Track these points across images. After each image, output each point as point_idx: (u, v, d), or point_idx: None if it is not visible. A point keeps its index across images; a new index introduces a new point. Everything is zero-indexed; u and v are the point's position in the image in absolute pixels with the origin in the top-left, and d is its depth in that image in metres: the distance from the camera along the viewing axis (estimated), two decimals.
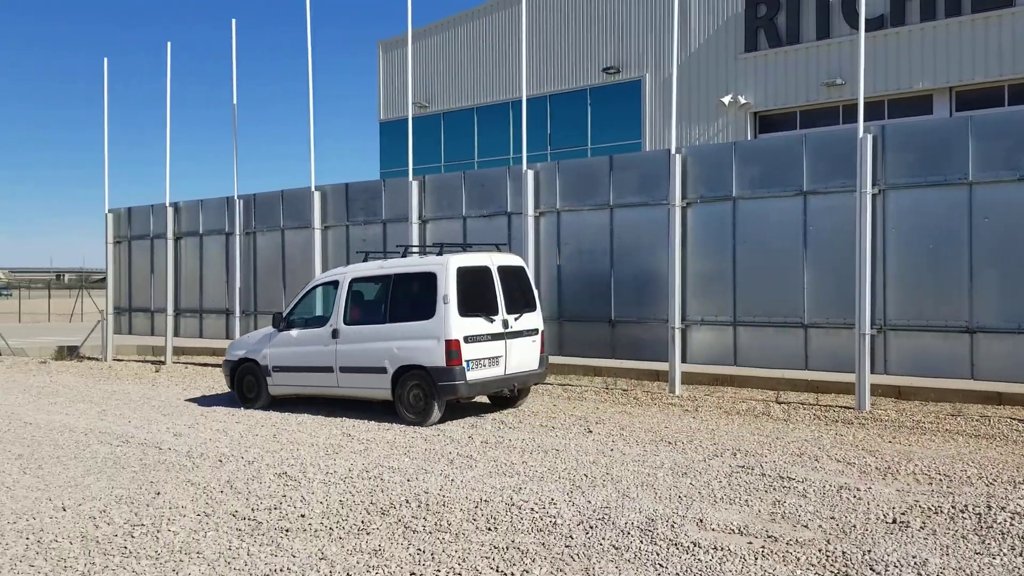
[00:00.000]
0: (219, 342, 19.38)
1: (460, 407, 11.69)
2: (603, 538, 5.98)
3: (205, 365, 18.68)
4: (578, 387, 13.67)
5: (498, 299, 11.13)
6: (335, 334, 11.65)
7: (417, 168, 16.31)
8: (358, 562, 5.62)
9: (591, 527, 6.24)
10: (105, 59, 20.16)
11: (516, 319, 11.30)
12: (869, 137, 11.16)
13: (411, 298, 11.21)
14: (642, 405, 11.89)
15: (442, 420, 10.79)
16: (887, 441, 9.22)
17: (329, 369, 11.70)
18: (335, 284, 12.00)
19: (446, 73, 30.38)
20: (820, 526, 6.19)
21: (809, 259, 11.76)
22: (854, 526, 6.18)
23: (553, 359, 14.59)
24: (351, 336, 11.51)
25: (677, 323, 12.57)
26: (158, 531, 6.34)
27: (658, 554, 5.65)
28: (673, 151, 12.70)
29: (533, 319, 11.63)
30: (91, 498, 7.31)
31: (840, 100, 22.61)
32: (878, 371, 11.30)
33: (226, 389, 13.37)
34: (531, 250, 14.12)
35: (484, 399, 12.08)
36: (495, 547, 5.85)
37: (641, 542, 5.89)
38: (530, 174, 14.19)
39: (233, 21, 18.15)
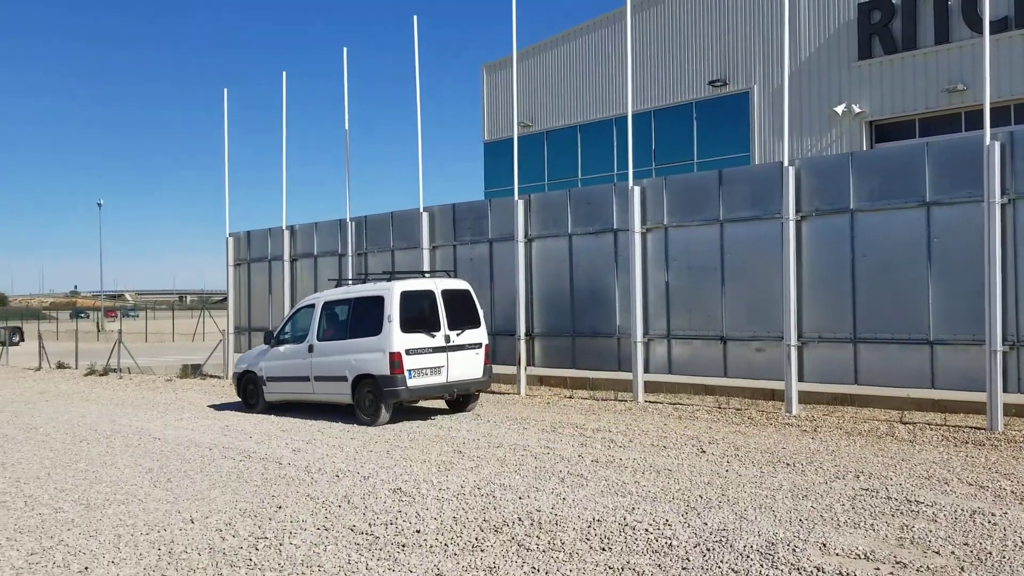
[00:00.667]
0: None
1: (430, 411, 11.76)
2: (721, 561, 5.83)
3: None
4: (689, 406, 13.43)
5: (440, 318, 12.92)
6: (311, 349, 13.79)
7: (521, 187, 16.42)
8: None
9: (708, 549, 6.09)
10: (225, 90, 21.18)
11: (458, 335, 13.07)
12: (997, 144, 10.61)
13: (366, 318, 13.06)
14: (757, 425, 11.57)
15: (391, 421, 12.62)
16: (1023, 463, 8.69)
17: (307, 379, 13.84)
18: (312, 307, 14.18)
19: (549, 92, 30.54)
20: (952, 552, 5.87)
21: (934, 272, 11.24)
22: (990, 553, 5.83)
23: (662, 378, 14.43)
24: (323, 350, 13.62)
25: (793, 340, 12.20)
26: (281, 544, 6.53)
27: None
28: (786, 163, 12.38)
29: (476, 335, 13.34)
30: (217, 511, 7.59)
31: (962, 106, 21.59)
32: (1011, 390, 10.68)
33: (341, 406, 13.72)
34: (638, 266, 13.99)
35: (442, 404, 13.97)
36: (610, 568, 5.77)
37: (761, 566, 5.71)
38: (636, 190, 14.09)
39: (344, 49, 18.78)
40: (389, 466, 9.40)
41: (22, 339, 43.09)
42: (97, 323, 60.68)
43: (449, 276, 14.33)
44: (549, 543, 6.35)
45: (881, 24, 22.82)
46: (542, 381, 16.72)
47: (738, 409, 12.94)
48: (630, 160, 14.47)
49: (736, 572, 5.61)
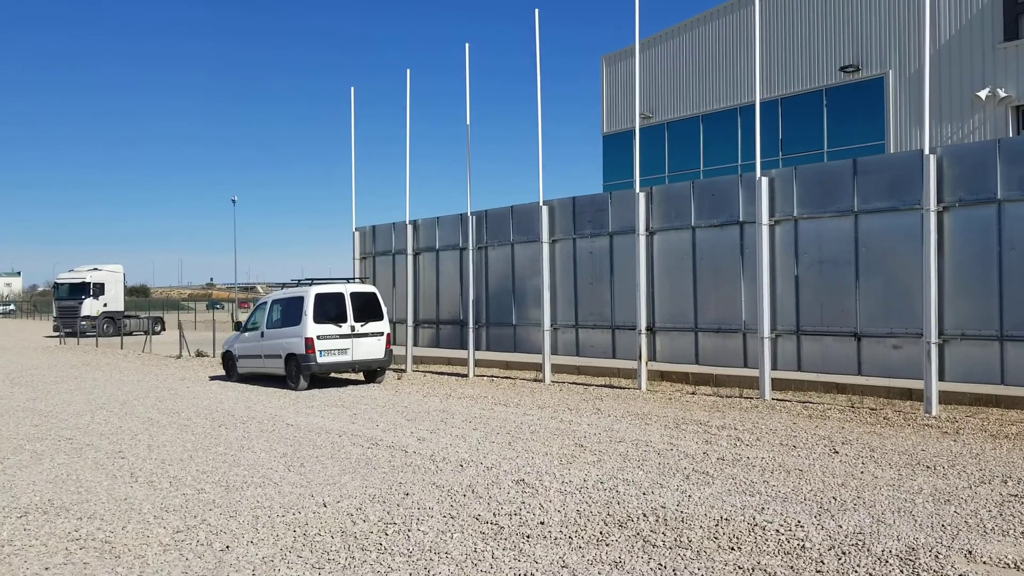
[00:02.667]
0: (454, 352, 20.24)
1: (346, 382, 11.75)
2: (858, 565, 5.59)
3: (441, 374, 19.56)
4: (819, 405, 12.95)
5: (348, 312, 17.27)
6: (262, 335, 18.43)
7: (641, 179, 16.21)
8: (599, 572, 5.60)
9: (843, 552, 5.85)
10: (352, 88, 21.75)
11: (363, 325, 17.38)
12: None
13: (293, 312, 17.49)
14: (893, 426, 11.05)
15: (309, 388, 16.88)
16: None
17: (260, 356, 18.51)
18: (265, 304, 18.94)
19: (669, 82, 30.06)
20: None
21: None
22: None
23: (790, 375, 14.00)
24: (270, 336, 18.20)
25: (933, 337, 11.59)
26: (409, 530, 6.66)
27: None
28: (926, 151, 11.76)
29: (379, 325, 17.70)
30: (348, 496, 7.81)
31: None
32: None
33: (463, 397, 13.93)
34: (765, 259, 13.58)
35: (360, 377, 18.70)
36: (740, 568, 5.62)
37: (901, 572, 5.44)
38: (764, 181, 13.68)
39: (467, 46, 18.99)
40: (512, 457, 9.45)
41: (163, 328, 45.62)
42: (232, 313, 63.62)
43: (362, 282, 19.44)
44: (675, 540, 6.24)
45: None
46: (663, 376, 16.48)
47: (872, 409, 12.40)
48: (757, 149, 14.05)
49: None
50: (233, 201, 73.11)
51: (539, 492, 7.78)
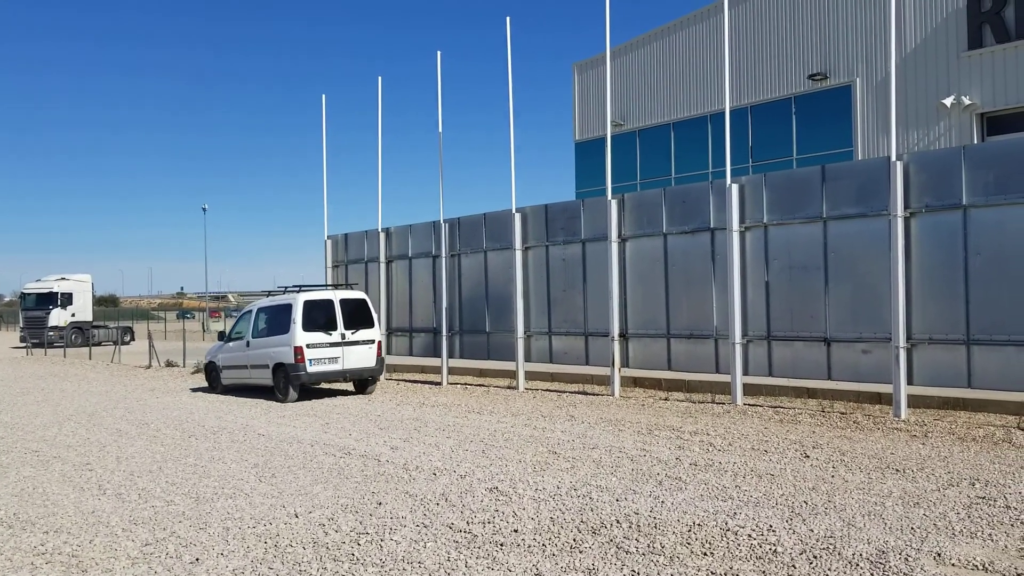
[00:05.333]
0: (427, 360, 20.17)
1: (335, 392, 11.99)
2: (829, 569, 5.63)
3: (415, 382, 19.49)
4: (790, 409, 13.06)
5: (338, 320, 16.57)
6: (248, 344, 17.70)
7: (614, 187, 16.27)
8: None
9: (815, 556, 5.88)
10: (323, 96, 21.69)
11: (353, 333, 16.71)
12: None
13: (280, 320, 16.82)
14: (863, 429, 11.16)
15: (299, 400, 16.19)
16: None
17: (246, 367, 17.79)
18: (250, 312, 18.22)
19: (641, 90, 30.23)
20: None
21: None
22: None
23: (761, 380, 14.08)
24: (255, 345, 17.48)
25: (902, 342, 11.72)
26: (382, 540, 6.62)
27: None
28: (893, 158, 11.91)
29: (370, 333, 17.03)
30: (320, 506, 7.75)
31: None
32: None
33: (437, 405, 13.87)
34: (736, 265, 13.68)
35: (350, 387, 17.92)
36: (712, 573, 5.64)
37: (872, 575, 5.48)
38: (734, 187, 13.79)
39: (439, 53, 18.99)
40: (485, 465, 9.43)
41: (133, 338, 45.11)
42: (202, 323, 63.05)
43: (351, 288, 18.10)
44: (649, 546, 6.25)
45: (992, 12, 21.77)
46: (636, 383, 16.54)
47: (843, 413, 12.51)
48: (728, 157, 14.16)
49: None
50: (204, 209, 72.61)
51: (512, 500, 7.76)
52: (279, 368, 16.49)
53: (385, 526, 7.00)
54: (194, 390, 19.31)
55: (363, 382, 17.44)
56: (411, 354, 20.25)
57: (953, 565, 5.65)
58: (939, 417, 11.83)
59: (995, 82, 21.89)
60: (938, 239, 11.67)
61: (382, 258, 20.66)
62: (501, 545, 6.40)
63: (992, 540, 6.15)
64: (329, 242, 22.38)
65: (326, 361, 16.38)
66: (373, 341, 17.03)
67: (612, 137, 17.07)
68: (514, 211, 17.48)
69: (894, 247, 11.81)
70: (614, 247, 15.56)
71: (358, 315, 16.94)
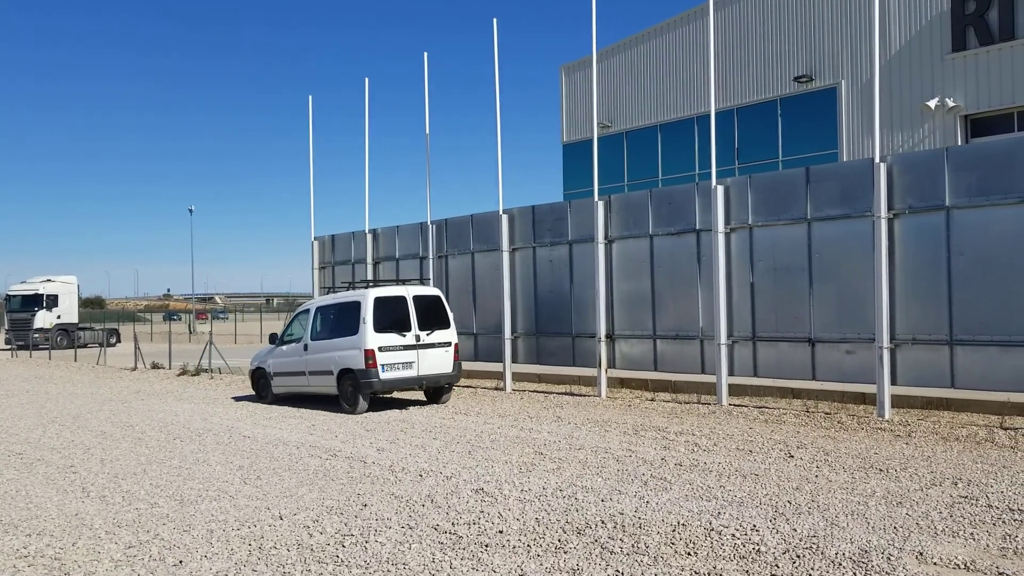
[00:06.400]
0: None
1: (406, 403, 11.87)
2: (812, 568, 5.66)
3: None
4: (775, 410, 13.11)
5: (411, 320, 14.61)
6: (306, 348, 15.70)
7: (601, 188, 16.31)
8: None
9: (798, 556, 5.91)
10: (310, 97, 21.66)
11: (428, 335, 14.76)
12: None
13: (347, 320, 14.83)
14: (847, 429, 11.22)
15: (369, 410, 14.37)
16: None
17: (303, 373, 15.75)
18: (308, 311, 16.15)
19: (628, 92, 30.30)
20: None
21: None
22: None
23: (747, 381, 14.14)
24: (315, 349, 15.49)
25: (885, 342, 11.79)
26: (366, 542, 6.61)
27: None
28: (877, 159, 11.98)
29: (446, 335, 15.03)
30: (305, 508, 7.74)
31: None
32: None
33: (421, 406, 13.87)
34: (721, 267, 13.74)
35: (421, 396, 15.81)
36: (696, 573, 5.66)
37: (855, 574, 5.52)
38: (720, 189, 13.84)
39: (425, 54, 18.99)
40: (471, 466, 9.43)
41: (118, 340, 44.86)
42: (189, 325, 62.79)
43: (422, 284, 16.40)
44: (633, 546, 6.27)
45: (976, 15, 21.93)
46: (623, 383, 16.57)
47: (827, 413, 12.58)
48: (713, 159, 14.22)
49: None
50: (190, 211, 72.29)
51: (498, 501, 7.77)
52: (346, 375, 14.56)
53: (370, 528, 6.99)
54: (237, 399, 17.38)
55: (437, 390, 15.36)
56: None
57: (935, 564, 5.69)
58: (922, 417, 11.90)
59: (979, 84, 22.05)
60: (921, 240, 11.75)
61: (369, 260, 20.62)
62: (486, 546, 6.40)
63: (974, 539, 6.20)
64: (316, 243, 22.33)
65: (400, 367, 14.45)
66: (450, 344, 15.10)
67: (599, 139, 17.11)
68: (501, 212, 17.49)
69: (878, 248, 11.88)
70: (600, 248, 15.59)
71: (433, 314, 15.01)
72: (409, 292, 14.89)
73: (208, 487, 8.79)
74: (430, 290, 15.48)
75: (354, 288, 15.89)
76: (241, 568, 6.09)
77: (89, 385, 21.65)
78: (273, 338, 17.14)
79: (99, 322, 56.49)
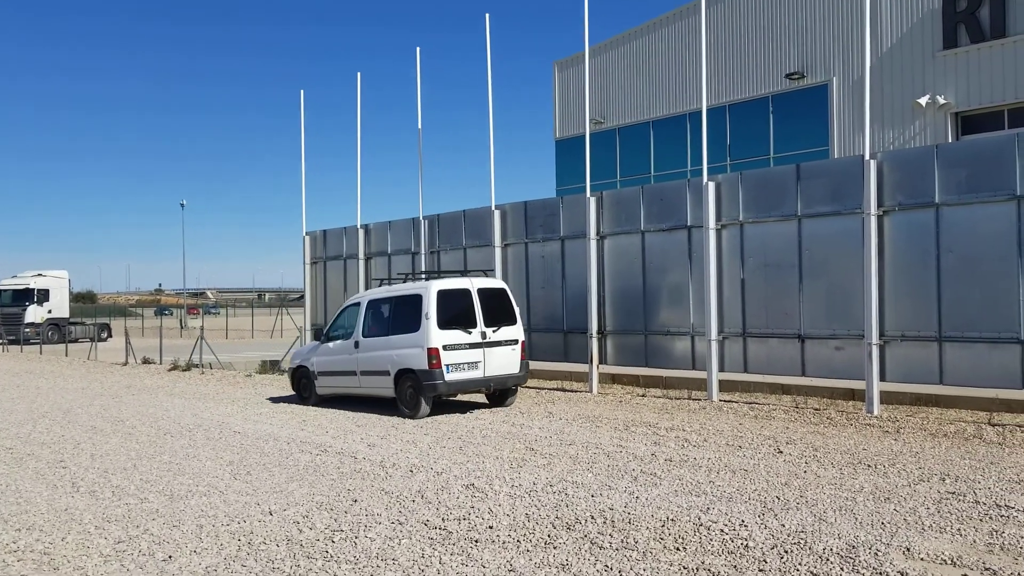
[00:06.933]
0: None
1: (470, 405, 12.25)
2: (800, 563, 5.69)
3: None
4: (765, 405, 13.16)
5: (477, 315, 13.34)
6: (357, 345, 14.37)
7: (593, 184, 16.33)
8: (546, 575, 5.63)
9: (786, 551, 5.95)
10: (302, 92, 21.59)
11: (494, 331, 13.46)
12: None
13: (406, 315, 13.57)
14: (836, 425, 11.27)
15: (431, 414, 13.05)
16: None
17: (354, 373, 14.44)
18: (358, 305, 14.76)
19: (621, 88, 30.31)
20: None
21: None
22: None
23: (736, 376, 14.18)
24: (367, 346, 14.18)
25: (875, 339, 11.84)
26: (356, 537, 6.62)
27: None
28: (867, 156, 12.02)
29: (512, 331, 13.73)
30: (295, 503, 7.74)
31: None
32: None
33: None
34: (712, 263, 13.77)
35: (482, 398, 14.46)
36: (685, 568, 5.69)
37: (842, 569, 5.55)
38: (711, 185, 13.87)
39: (418, 49, 18.96)
40: (462, 462, 9.45)
41: (110, 335, 44.71)
42: (180, 320, 62.63)
43: (486, 275, 14.53)
44: (622, 541, 6.29)
45: (968, 12, 22.00)
46: (614, 379, 16.60)
47: (816, 409, 12.63)
48: (704, 155, 14.25)
49: (815, 575, 5.47)
50: (182, 205, 72.08)
51: (489, 496, 7.78)
52: (405, 376, 13.29)
53: (360, 523, 7.00)
54: (275, 400, 16.11)
55: (503, 393, 14.11)
56: None
57: (922, 559, 5.73)
58: (911, 413, 11.96)
59: (969, 82, 22.13)
60: (911, 237, 11.80)
61: (361, 255, 20.61)
62: (476, 541, 6.42)
63: (961, 535, 6.24)
64: (307, 238, 22.30)
65: (465, 367, 13.19)
66: (516, 341, 13.78)
67: (591, 135, 17.13)
68: (493, 208, 17.49)
69: (867, 245, 11.93)
70: (592, 244, 15.61)
71: (498, 309, 13.72)
72: (474, 284, 13.61)
73: (198, 482, 8.78)
74: (495, 282, 14.29)
75: (411, 279, 14.61)
76: (230, 563, 6.09)
77: (80, 380, 21.60)
78: (318, 334, 15.93)
79: (90, 317, 56.27)
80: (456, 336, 13.14)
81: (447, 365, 12.96)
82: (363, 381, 14.30)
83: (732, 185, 13.81)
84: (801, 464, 8.86)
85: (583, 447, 10.16)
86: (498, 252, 17.35)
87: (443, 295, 13.23)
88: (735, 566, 5.69)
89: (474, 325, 13.32)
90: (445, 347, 12.97)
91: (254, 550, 6.38)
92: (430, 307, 13.03)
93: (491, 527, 6.77)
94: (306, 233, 22.31)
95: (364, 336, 14.29)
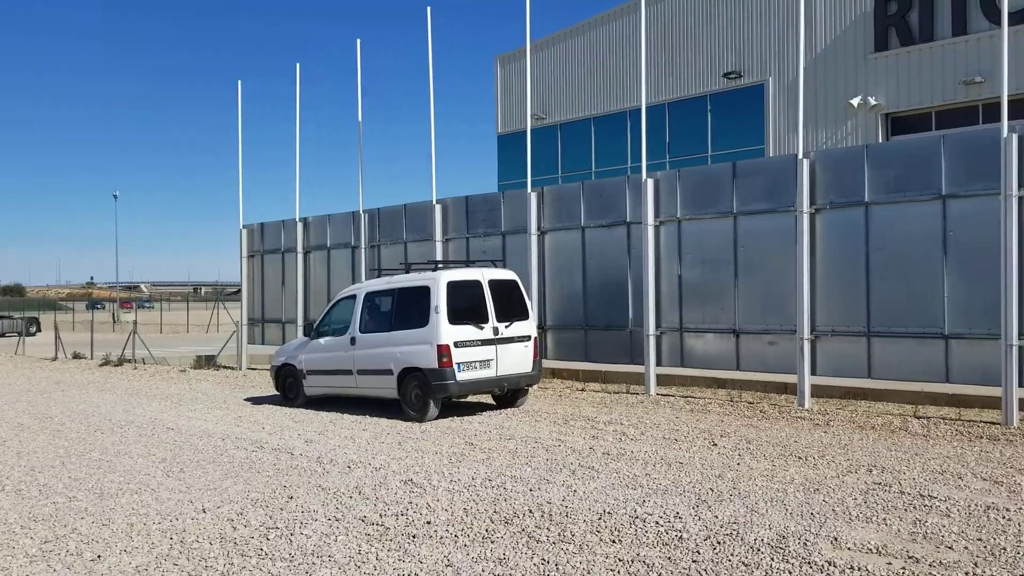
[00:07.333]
0: None
1: (484, 407, 12.07)
2: (732, 554, 5.81)
3: None
4: (701, 399, 13.39)
5: (488, 309, 12.37)
6: (353, 341, 13.24)
7: (535, 179, 16.39)
8: (483, 570, 5.64)
9: (719, 543, 6.07)
10: (239, 81, 21.21)
11: (507, 327, 12.49)
12: (1014, 136, 10.50)
13: (411, 309, 12.53)
14: (769, 419, 11.52)
15: (440, 417, 12.02)
16: None
17: (349, 372, 13.30)
18: (353, 298, 13.65)
19: (563, 84, 30.44)
20: (966, 548, 5.83)
21: (949, 266, 11.14)
22: (1004, 549, 5.78)
23: (673, 371, 14.38)
24: (365, 343, 13.07)
25: (806, 333, 12.13)
26: (292, 534, 6.55)
27: (790, 572, 5.44)
28: (800, 156, 12.30)
29: (525, 327, 12.79)
30: (229, 501, 7.63)
31: (979, 99, 21.39)
32: None
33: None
34: (651, 259, 13.94)
35: (488, 399, 13.42)
36: (620, 560, 5.76)
37: (772, 559, 5.68)
38: (650, 183, 14.03)
39: (358, 41, 18.79)
40: (401, 458, 9.42)
41: (39, 329, 43.42)
42: (113, 314, 61.10)
43: (495, 266, 13.34)
44: (559, 535, 6.35)
45: (898, 16, 22.63)
46: (554, 374, 16.70)
47: (750, 403, 12.89)
48: (644, 153, 14.40)
49: (746, 565, 5.59)
50: (115, 197, 70.17)
51: (427, 492, 7.78)
52: (411, 375, 12.23)
53: (296, 520, 6.93)
54: (255, 401, 14.94)
55: (513, 393, 13.14)
56: None
57: (849, 549, 5.89)
58: (841, 406, 12.29)
59: (899, 83, 22.78)
60: (841, 235, 12.11)
61: (299, 248, 20.35)
62: (413, 537, 6.41)
63: (886, 524, 6.43)
64: (245, 231, 21.94)
65: (477, 365, 12.20)
66: (529, 338, 12.83)
67: (533, 130, 17.18)
68: (435, 202, 17.43)
69: (800, 242, 12.21)
70: (533, 240, 15.68)
71: (510, 302, 12.75)
72: (484, 275, 12.65)
73: (129, 480, 8.59)
74: (506, 273, 13.17)
75: (416, 270, 13.44)
76: (162, 562, 5.98)
77: (6, 376, 20.92)
78: (308, 329, 14.59)
79: (18, 311, 54.55)
80: (468, 332, 12.12)
81: (458, 363, 11.94)
82: (360, 381, 13.18)
83: (670, 182, 13.99)
84: (735, 457, 9.04)
85: (522, 441, 10.21)
86: (439, 247, 17.30)
87: (453, 287, 12.23)
88: (669, 557, 5.79)
89: (486, 320, 12.33)
90: (456, 344, 11.97)
91: (186, 548, 6.27)
92: (439, 300, 12.01)
93: (429, 522, 6.77)
94: (243, 226, 21.94)
95: (361, 332, 13.18)
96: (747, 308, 13.05)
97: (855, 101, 22.97)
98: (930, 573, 5.35)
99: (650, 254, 13.95)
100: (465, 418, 12.17)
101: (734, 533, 6.26)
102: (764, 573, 5.44)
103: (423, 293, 12.31)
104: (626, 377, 15.32)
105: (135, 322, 28.25)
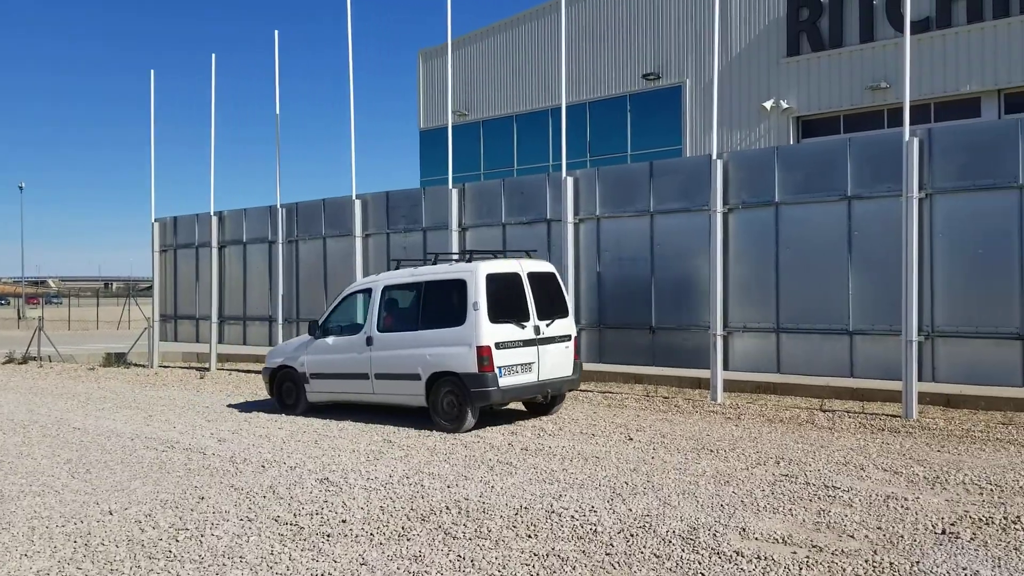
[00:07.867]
0: (262, 349, 19.55)
1: (495, 413, 11.77)
2: (644, 546, 5.93)
3: (249, 372, 18.90)
4: (618, 394, 13.59)
5: (529, 305, 11.03)
6: (369, 341, 11.71)
7: (457, 176, 16.37)
8: (398, 568, 5.63)
9: (632, 535, 6.18)
10: (152, 71, 20.62)
11: (548, 325, 11.19)
12: (916, 140, 10.96)
13: (442, 305, 11.17)
14: (683, 413, 11.78)
15: (477, 427, 10.79)
16: (935, 450, 9.02)
17: (365, 376, 11.78)
18: (368, 292, 12.16)
19: (485, 81, 30.48)
20: (866, 536, 6.07)
21: (854, 265, 11.57)
22: (902, 536, 6.04)
23: (593, 366, 14.55)
24: (385, 343, 11.57)
25: (719, 330, 12.44)
26: (202, 535, 6.41)
27: (700, 563, 5.58)
28: (714, 156, 12.59)
29: (565, 325, 11.52)
30: (137, 502, 7.42)
31: (885, 104, 22.27)
32: (926, 379, 11.07)
33: (267, 396, 13.45)
34: (571, 257, 14.08)
35: (519, 406, 12.06)
36: (535, 554, 5.82)
37: (683, 551, 5.82)
38: (570, 181, 14.17)
39: (276, 32, 18.44)
40: (317, 456, 9.31)
41: None
42: (18, 310, 58.62)
43: (530, 256, 11.82)
44: (476, 531, 6.37)
45: (809, 22, 23.36)
46: None
47: (666, 397, 13.15)
48: (564, 151, 14.53)
49: (658, 557, 5.71)
50: (20, 188, 67.38)
51: (343, 490, 7.71)
52: (443, 380, 10.83)
53: (207, 521, 6.79)
54: (240, 408, 13.42)
55: (553, 399, 11.83)
56: (246, 343, 19.61)
57: (756, 539, 6.07)
58: (752, 400, 12.64)
59: (810, 88, 23.53)
60: (753, 234, 12.44)
61: (214, 243, 19.88)
62: (328, 536, 6.35)
63: (792, 515, 6.65)
64: (157, 225, 21.32)
65: (519, 369, 10.83)
66: (570, 337, 11.57)
67: (456, 127, 17.17)
68: (354, 197, 17.25)
69: (713, 241, 12.50)
70: (454, 236, 15.65)
71: (549, 298, 11.41)
72: (523, 267, 11.24)
73: (32, 482, 8.28)
74: (544, 265, 11.82)
75: (443, 260, 12.08)
76: (65, 566, 5.79)
77: None
78: (313, 328, 12.74)
79: None
80: (509, 331, 10.75)
81: (499, 368, 10.58)
82: (378, 386, 11.67)
83: (590, 181, 14.16)
84: (649, 450, 9.21)
85: (441, 438, 10.20)
86: (359, 242, 17.13)
87: (492, 280, 10.79)
88: (583, 551, 5.87)
89: (527, 318, 10.97)
90: (497, 345, 10.60)
91: (91, 551, 6.08)
92: (479, 295, 10.60)
93: (344, 521, 6.71)
94: (155, 220, 21.32)
95: (379, 330, 11.67)
96: (664, 305, 13.29)
97: (768, 104, 23.63)
98: (832, 561, 5.55)
99: (570, 252, 14.09)
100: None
101: (647, 525, 6.38)
102: (675, 564, 5.57)
103: (457, 287, 10.91)
104: None
105: (41, 318, 27.12)
